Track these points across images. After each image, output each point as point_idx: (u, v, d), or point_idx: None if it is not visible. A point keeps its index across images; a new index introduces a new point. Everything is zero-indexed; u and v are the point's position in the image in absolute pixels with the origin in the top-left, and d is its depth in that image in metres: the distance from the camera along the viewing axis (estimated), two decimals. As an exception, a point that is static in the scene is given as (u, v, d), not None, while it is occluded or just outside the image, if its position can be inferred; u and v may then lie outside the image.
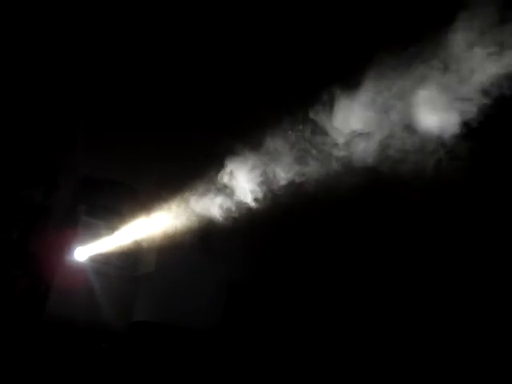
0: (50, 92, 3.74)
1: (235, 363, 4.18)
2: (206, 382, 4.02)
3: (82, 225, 4.08)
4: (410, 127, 2.13)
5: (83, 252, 4.04)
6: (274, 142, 2.63)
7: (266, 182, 2.84)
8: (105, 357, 3.91)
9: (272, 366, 4.26)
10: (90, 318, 3.88)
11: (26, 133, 3.95)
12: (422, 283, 4.17)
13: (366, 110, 2.19)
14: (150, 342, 4.04)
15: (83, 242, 4.04)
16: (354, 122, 2.27)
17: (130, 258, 4.20)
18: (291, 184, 2.72)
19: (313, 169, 2.60)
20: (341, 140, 2.36)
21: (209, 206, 3.29)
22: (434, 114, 2.03)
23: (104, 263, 4.08)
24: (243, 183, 2.91)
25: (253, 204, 2.97)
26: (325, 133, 2.39)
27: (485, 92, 1.83)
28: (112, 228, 4.14)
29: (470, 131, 1.98)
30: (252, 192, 2.90)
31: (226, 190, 3.09)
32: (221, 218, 3.24)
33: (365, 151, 2.32)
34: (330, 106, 2.28)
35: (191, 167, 3.35)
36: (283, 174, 2.72)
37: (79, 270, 3.96)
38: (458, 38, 1.82)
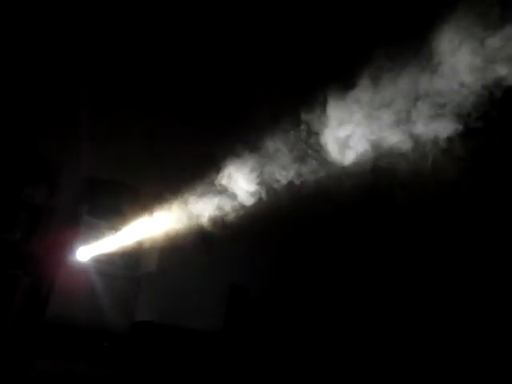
0: (53, 92, 3.74)
1: (236, 365, 4.17)
2: (206, 383, 4.01)
3: (84, 225, 4.08)
4: (405, 129, 2.14)
5: (85, 252, 4.04)
6: (274, 143, 2.63)
7: (265, 183, 2.84)
8: (107, 357, 3.90)
9: (273, 368, 4.25)
10: (91, 318, 3.87)
11: (29, 132, 3.96)
12: (422, 283, 4.16)
13: (361, 111, 2.20)
14: (151, 343, 4.03)
15: (85, 242, 4.04)
16: (347, 124, 2.28)
17: (132, 258, 4.20)
18: (291, 185, 2.72)
19: (311, 170, 2.60)
20: (335, 141, 2.36)
21: (209, 207, 3.29)
22: (428, 116, 2.04)
23: (106, 263, 4.08)
24: (243, 184, 2.91)
25: (252, 206, 2.97)
26: (320, 134, 2.40)
27: (479, 92, 1.84)
28: (114, 228, 4.14)
29: (466, 130, 1.99)
30: (252, 194, 2.90)
31: (226, 192, 3.09)
32: (222, 220, 3.24)
33: (359, 152, 2.33)
34: (324, 106, 2.29)
35: (192, 168, 3.36)
36: (282, 176, 2.73)
37: (81, 269, 3.96)
38: (448, 39, 1.82)
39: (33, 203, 3.91)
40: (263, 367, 4.26)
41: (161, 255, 4.26)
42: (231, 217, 3.18)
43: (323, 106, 2.25)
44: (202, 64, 3.21)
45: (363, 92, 2.17)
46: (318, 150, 2.50)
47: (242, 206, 3.06)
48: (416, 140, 2.15)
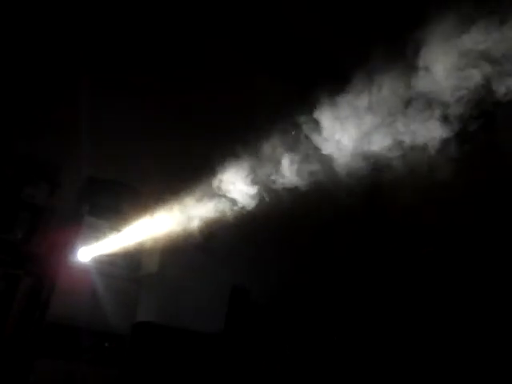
0: (53, 92, 3.72)
1: (237, 367, 4.16)
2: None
3: (85, 225, 4.06)
4: (395, 131, 2.10)
5: (86, 252, 4.02)
6: (273, 145, 2.60)
7: (265, 185, 2.81)
8: (107, 357, 3.90)
9: (274, 369, 4.23)
10: (92, 319, 3.86)
11: (29, 132, 3.94)
12: (422, 284, 4.14)
13: (355, 114, 2.16)
14: (152, 344, 4.02)
15: (86, 242, 4.02)
16: (340, 127, 2.24)
17: (134, 258, 4.18)
18: (289, 187, 2.69)
19: (311, 171, 2.58)
20: (329, 144, 2.33)
21: (210, 208, 3.27)
22: (419, 118, 2.00)
23: (107, 264, 4.06)
24: (243, 186, 2.88)
25: (254, 207, 2.94)
26: (316, 136, 2.36)
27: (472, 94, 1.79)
28: (115, 228, 4.11)
29: (461, 132, 1.95)
30: (253, 195, 2.86)
31: (226, 193, 3.06)
32: (222, 221, 3.22)
33: (354, 154, 2.29)
34: (319, 109, 2.25)
35: (193, 169, 3.32)
36: (282, 178, 2.70)
37: (82, 270, 3.94)
38: (436, 40, 1.78)
39: (33, 203, 3.90)
40: (264, 369, 4.24)
41: (162, 256, 4.25)
42: (232, 218, 3.16)
43: (317, 109, 2.21)
44: (202, 64, 3.16)
45: (355, 95, 2.13)
46: (316, 152, 2.47)
47: (243, 208, 3.03)
48: (409, 142, 2.12)
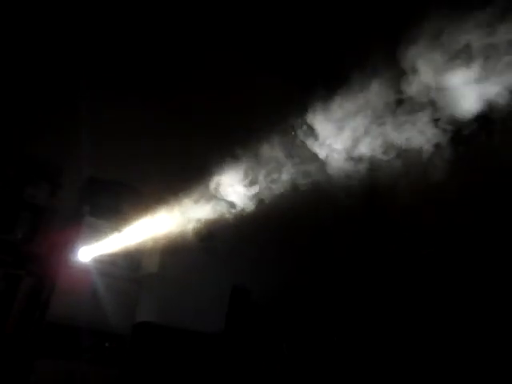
0: (53, 92, 3.73)
1: (237, 367, 4.15)
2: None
3: (85, 225, 4.06)
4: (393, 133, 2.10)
5: (87, 252, 4.02)
6: (272, 147, 2.60)
7: (265, 186, 2.82)
8: (108, 357, 3.90)
9: (274, 369, 4.23)
10: (93, 319, 3.86)
11: (30, 133, 3.95)
12: (422, 285, 4.13)
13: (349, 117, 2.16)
14: (153, 344, 4.02)
15: (87, 242, 4.03)
16: (333, 131, 2.25)
17: (134, 258, 4.18)
18: (289, 189, 2.70)
19: (308, 173, 2.58)
20: (329, 145, 2.34)
21: (211, 208, 3.27)
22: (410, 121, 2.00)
23: (108, 264, 4.07)
24: (241, 187, 2.88)
25: (254, 208, 2.94)
26: (315, 137, 2.37)
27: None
28: (116, 229, 4.11)
29: (456, 135, 1.95)
30: (252, 196, 2.87)
31: (226, 193, 3.06)
32: (222, 222, 3.22)
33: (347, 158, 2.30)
34: (319, 110, 2.25)
35: (193, 169, 3.33)
36: (281, 179, 2.70)
37: (83, 270, 3.95)
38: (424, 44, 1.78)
39: (34, 203, 3.90)
40: (264, 369, 4.24)
41: (163, 256, 4.25)
42: (232, 219, 3.16)
43: (317, 110, 2.21)
44: (202, 64, 3.17)
45: (354, 95, 2.13)
46: (315, 153, 2.47)
47: (243, 209, 3.03)
48: (404, 145, 2.12)
